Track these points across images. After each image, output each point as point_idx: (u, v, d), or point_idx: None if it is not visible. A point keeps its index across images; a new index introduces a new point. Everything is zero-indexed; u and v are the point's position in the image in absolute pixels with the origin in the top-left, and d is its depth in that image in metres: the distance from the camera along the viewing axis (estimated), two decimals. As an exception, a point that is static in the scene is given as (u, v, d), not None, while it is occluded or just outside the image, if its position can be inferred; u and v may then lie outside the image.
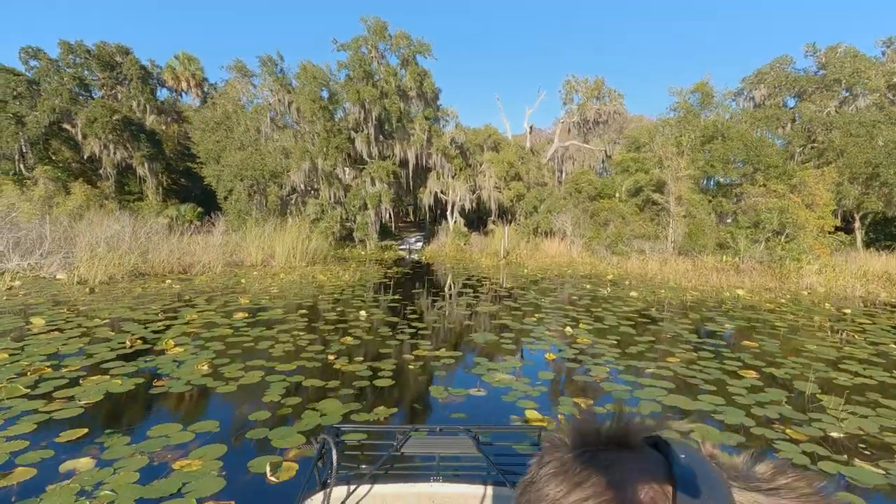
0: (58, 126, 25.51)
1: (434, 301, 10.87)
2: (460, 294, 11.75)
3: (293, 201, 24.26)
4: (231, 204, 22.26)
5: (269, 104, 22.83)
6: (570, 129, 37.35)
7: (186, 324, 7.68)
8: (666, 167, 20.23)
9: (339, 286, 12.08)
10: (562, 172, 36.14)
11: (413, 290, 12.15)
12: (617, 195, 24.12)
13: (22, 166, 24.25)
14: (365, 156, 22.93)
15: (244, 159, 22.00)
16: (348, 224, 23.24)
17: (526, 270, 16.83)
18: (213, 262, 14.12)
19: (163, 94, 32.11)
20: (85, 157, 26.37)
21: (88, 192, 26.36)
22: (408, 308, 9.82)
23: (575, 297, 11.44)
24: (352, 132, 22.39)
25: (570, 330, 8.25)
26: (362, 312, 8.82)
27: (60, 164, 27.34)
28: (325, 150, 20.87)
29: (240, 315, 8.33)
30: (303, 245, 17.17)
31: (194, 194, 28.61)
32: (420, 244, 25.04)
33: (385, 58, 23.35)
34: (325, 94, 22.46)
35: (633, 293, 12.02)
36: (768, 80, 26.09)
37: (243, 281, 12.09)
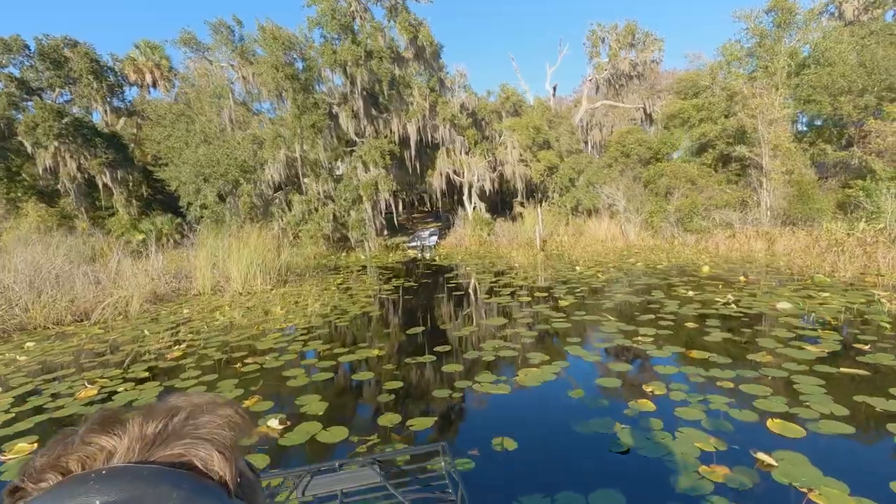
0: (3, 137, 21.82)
1: (441, 371, 6.22)
2: (489, 337, 7.07)
3: (277, 201, 19.95)
4: (196, 210, 18.07)
5: (232, 83, 18.42)
6: (598, 88, 31.79)
7: None
8: (753, 108, 14.91)
9: (300, 324, 7.60)
10: (587, 144, 30.83)
11: (409, 331, 7.53)
12: (677, 155, 18.86)
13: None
14: (353, 135, 18.31)
15: (207, 155, 17.71)
16: (345, 222, 18.77)
17: (578, 268, 11.98)
18: (132, 296, 9.84)
19: (133, 92, 28.25)
20: (39, 170, 22.63)
21: (44, 211, 22.72)
22: (390, 392, 5.20)
23: (693, 327, 6.63)
24: (333, 107, 17.77)
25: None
26: (272, 422, 4.21)
27: (20, 181, 23.79)
28: (298, 131, 16.34)
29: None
30: (270, 258, 12.77)
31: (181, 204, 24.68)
32: (435, 238, 20.40)
33: (369, 10, 18.55)
34: (300, 65, 17.89)
35: (782, 304, 7.11)
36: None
37: (147, 332, 7.72)
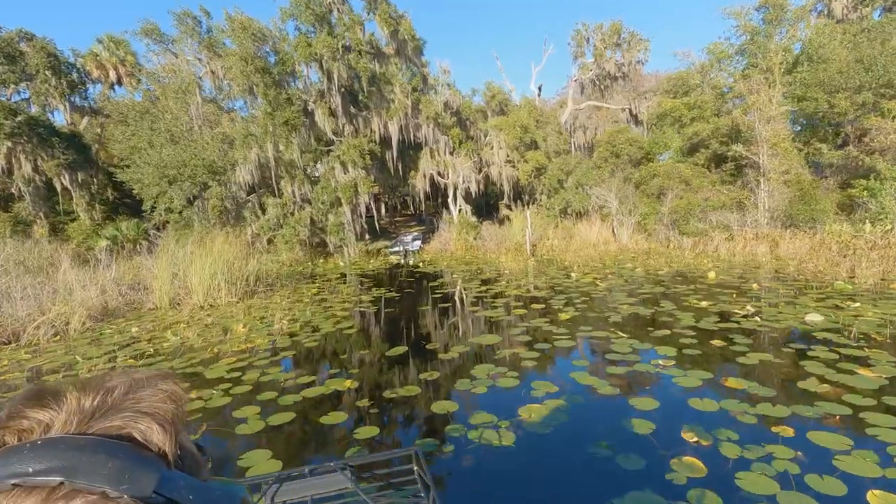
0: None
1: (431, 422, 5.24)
2: (482, 360, 6.12)
3: (250, 204, 18.73)
4: (160, 214, 16.76)
5: (199, 78, 17.17)
6: (582, 89, 31.23)
7: None
8: (750, 105, 14.29)
9: (263, 345, 6.52)
10: (570, 145, 30.22)
11: (390, 353, 6.53)
12: (666, 157, 18.23)
13: None
14: (331, 134, 17.23)
15: (173, 155, 16.44)
16: (323, 226, 17.64)
17: (573, 275, 11.11)
18: (73, 313, 8.62)
19: (98, 90, 26.63)
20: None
21: (-3, 217, 21.11)
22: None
23: (719, 346, 5.77)
24: (309, 103, 16.67)
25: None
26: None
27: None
28: (270, 129, 15.21)
29: None
30: (237, 267, 11.63)
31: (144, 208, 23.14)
32: (418, 243, 19.41)
33: (347, 2, 17.51)
34: (273, 59, 16.74)
35: (812, 316, 6.30)
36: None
37: (80, 358, 6.55)
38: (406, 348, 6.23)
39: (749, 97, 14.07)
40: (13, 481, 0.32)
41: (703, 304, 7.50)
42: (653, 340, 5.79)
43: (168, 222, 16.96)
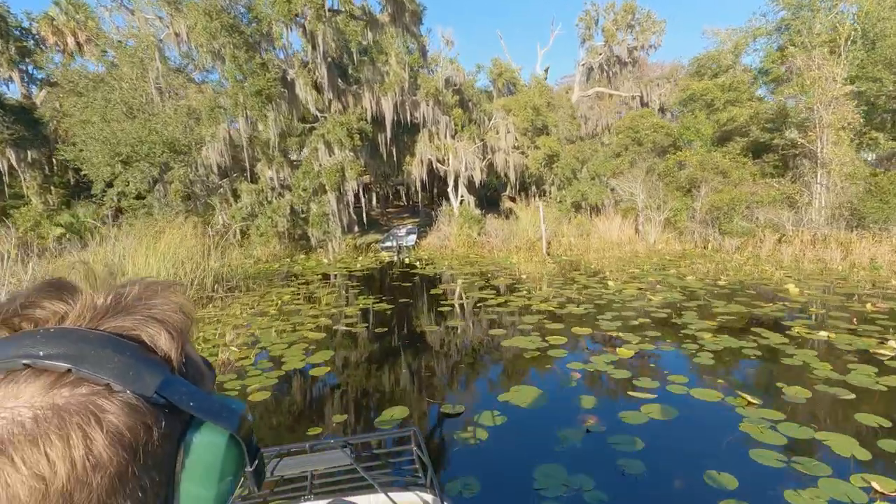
0: None
1: None
2: (535, 453, 3.91)
3: (221, 190, 16.31)
4: (111, 199, 14.32)
5: (160, 42, 14.64)
6: (589, 74, 29.04)
7: None
8: (808, 85, 12.16)
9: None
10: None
11: (381, 420, 4.31)
12: (698, 144, 16.10)
13: None
14: (314, 109, 14.84)
15: (127, 131, 13.97)
16: (306, 216, 15.29)
17: (610, 284, 8.92)
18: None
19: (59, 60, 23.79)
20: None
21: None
22: None
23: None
24: (288, 72, 14.24)
25: None
26: None
27: None
28: (240, 100, 12.80)
29: None
30: (192, 266, 9.32)
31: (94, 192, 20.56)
32: (413, 237, 17.03)
33: (335, -43, 15.02)
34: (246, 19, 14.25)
35: None
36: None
37: None
38: (406, 410, 4.00)
39: (807, 74, 11.97)
40: (25, 361, 0.33)
41: (822, 334, 5.36)
42: (806, 417, 3.62)
43: (122, 209, 14.54)
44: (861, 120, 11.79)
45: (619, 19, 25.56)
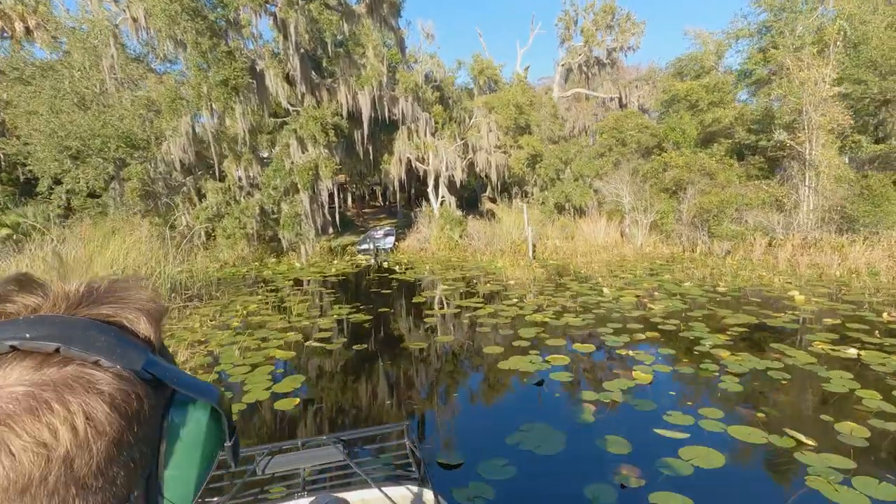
0: None
1: None
2: None
3: (185, 188, 15.19)
4: (58, 198, 13.08)
5: (116, 26, 13.44)
6: (568, 75, 28.86)
7: None
8: (797, 86, 11.93)
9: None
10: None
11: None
12: (685, 145, 15.83)
13: None
14: (286, 103, 13.90)
15: (78, 123, 12.75)
16: (277, 217, 14.30)
17: (606, 291, 8.36)
18: None
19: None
20: None
21: None
22: None
23: None
24: (258, 63, 13.26)
25: None
26: None
27: None
28: (204, 91, 11.79)
29: None
30: (152, 271, 8.36)
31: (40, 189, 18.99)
32: (391, 240, 16.24)
33: (308, -59, 14.11)
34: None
35: None
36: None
37: None
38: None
39: (796, 74, 11.75)
40: (11, 343, 0.33)
41: (851, 351, 4.87)
42: (880, 466, 3.05)
43: (73, 209, 13.30)
44: (851, 122, 11.58)
45: (598, 20, 25.35)
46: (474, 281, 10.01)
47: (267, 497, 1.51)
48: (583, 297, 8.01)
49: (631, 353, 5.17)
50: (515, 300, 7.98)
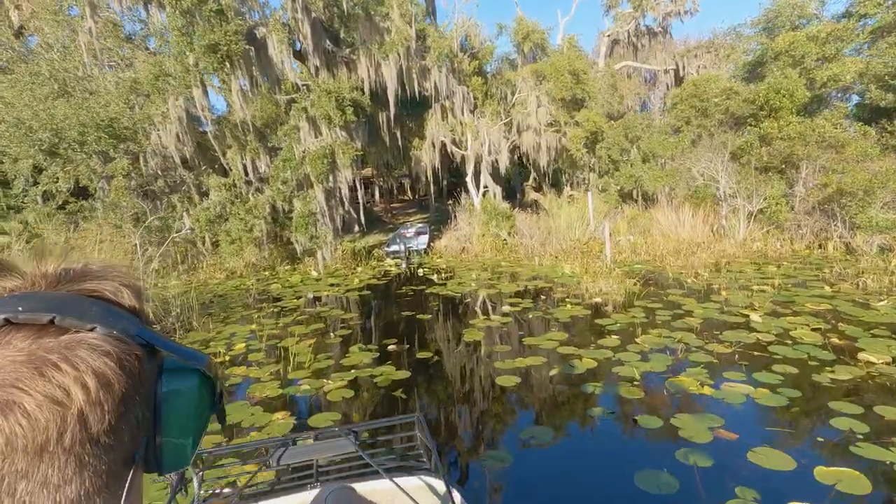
0: None
1: None
2: None
3: (185, 187, 13.03)
4: (33, 201, 11.10)
5: (94, 2, 11.25)
6: (613, 47, 25.45)
7: None
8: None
9: None
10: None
11: None
12: (782, 112, 12.58)
13: None
14: (293, 78, 11.46)
15: (61, 111, 10.67)
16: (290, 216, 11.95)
17: (754, 317, 5.53)
18: None
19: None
20: None
21: None
22: None
23: None
24: (259, 29, 10.84)
25: None
26: None
27: None
28: (189, 59, 9.43)
29: None
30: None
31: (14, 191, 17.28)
32: (424, 239, 13.61)
33: None
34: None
35: None
36: None
37: None
38: None
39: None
40: (3, 316, 0.32)
41: None
42: None
43: (50, 213, 11.29)
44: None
45: (649, -16, 22.04)
46: (543, 296, 7.34)
47: (281, 488, 1.47)
48: (723, 329, 5.23)
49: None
50: (623, 336, 5.28)
